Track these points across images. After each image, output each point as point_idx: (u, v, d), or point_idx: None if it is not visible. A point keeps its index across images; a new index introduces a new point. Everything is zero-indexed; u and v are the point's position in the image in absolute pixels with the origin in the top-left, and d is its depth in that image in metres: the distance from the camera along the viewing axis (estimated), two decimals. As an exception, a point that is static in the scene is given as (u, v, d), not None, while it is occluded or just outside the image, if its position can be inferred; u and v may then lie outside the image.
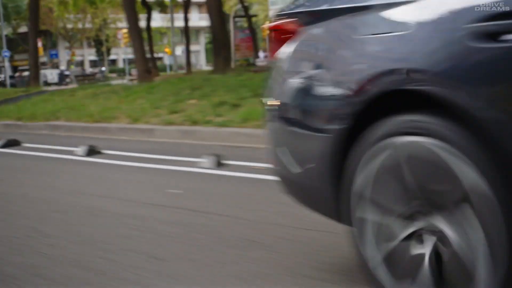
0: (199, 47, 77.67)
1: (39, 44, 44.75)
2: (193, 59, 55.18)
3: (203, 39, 77.27)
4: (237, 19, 34.30)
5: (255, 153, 6.15)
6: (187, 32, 31.80)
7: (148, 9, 34.27)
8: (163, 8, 36.37)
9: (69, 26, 58.97)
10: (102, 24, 58.29)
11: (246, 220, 3.64)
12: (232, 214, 3.79)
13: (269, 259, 2.82)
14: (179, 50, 62.46)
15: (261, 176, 4.84)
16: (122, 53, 63.91)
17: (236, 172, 5.35)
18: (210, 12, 15.57)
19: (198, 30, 73.87)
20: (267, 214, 3.73)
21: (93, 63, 69.20)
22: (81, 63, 67.48)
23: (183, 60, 49.49)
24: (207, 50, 71.60)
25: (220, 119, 8.44)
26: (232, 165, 5.72)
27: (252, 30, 30.83)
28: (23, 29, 51.46)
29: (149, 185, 5.17)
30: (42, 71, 51.76)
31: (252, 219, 3.64)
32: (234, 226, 3.50)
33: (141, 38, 18.56)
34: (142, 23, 25.39)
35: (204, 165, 5.65)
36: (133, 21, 17.48)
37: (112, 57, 70.63)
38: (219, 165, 5.63)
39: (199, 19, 72.00)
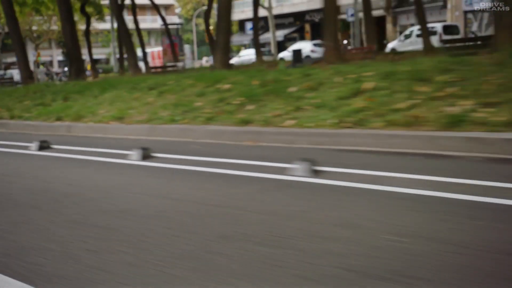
0: (159, 48, 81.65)
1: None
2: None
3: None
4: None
5: (21, 137, 10.09)
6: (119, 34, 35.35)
7: (87, 16, 37.90)
8: (101, 16, 39.91)
9: (35, 28, 62.41)
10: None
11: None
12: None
13: None
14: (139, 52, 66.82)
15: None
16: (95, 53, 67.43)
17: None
18: (64, 32, 19.19)
19: (163, 32, 77.81)
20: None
21: (63, 63, 72.73)
22: (50, 63, 71.01)
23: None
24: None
25: (28, 114, 12.28)
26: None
27: (170, 38, 34.61)
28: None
29: None
30: (9, 71, 55.51)
31: None
32: None
33: (24, 46, 20.81)
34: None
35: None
36: (13, 30, 20.32)
37: (84, 56, 74.15)
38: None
39: (166, 21, 76.45)
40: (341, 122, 7.03)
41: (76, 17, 45.45)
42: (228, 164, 5.85)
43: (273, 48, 47.25)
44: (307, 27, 52.42)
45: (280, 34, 51.93)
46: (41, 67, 62.39)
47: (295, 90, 8.85)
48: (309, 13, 51.32)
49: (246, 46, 55.07)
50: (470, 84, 6.91)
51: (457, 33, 35.73)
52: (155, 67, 23.71)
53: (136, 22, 33.92)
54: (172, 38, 35.48)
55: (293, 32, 52.88)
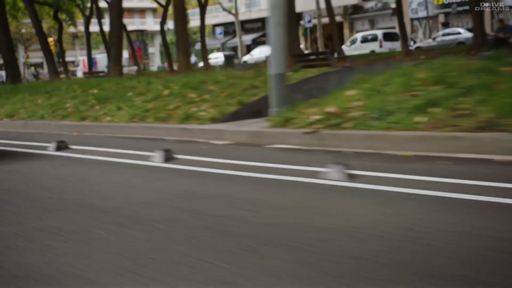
0: (154, 49, 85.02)
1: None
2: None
3: (158, 41, 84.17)
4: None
5: None
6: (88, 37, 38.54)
7: (60, 22, 40.90)
8: (73, 22, 42.87)
9: (24, 30, 65.61)
10: (51, 30, 64.89)
11: None
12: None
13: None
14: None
15: None
16: (79, 55, 70.71)
17: None
18: (0, 43, 22.11)
19: (152, 34, 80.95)
20: None
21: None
22: (40, 65, 74.35)
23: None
24: (161, 52, 79.01)
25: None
26: None
27: (131, 43, 37.63)
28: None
29: None
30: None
31: None
32: None
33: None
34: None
35: None
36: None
37: (71, 58, 77.50)
38: None
39: (153, 23, 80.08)
40: (132, 118, 10.00)
41: (50, 22, 48.62)
42: (30, 146, 8.83)
43: (239, 52, 50.07)
44: (274, 31, 55.25)
45: (249, 38, 54.92)
46: (32, 68, 65.84)
47: (131, 95, 11.81)
48: (275, 19, 54.18)
49: (218, 49, 57.92)
50: (218, 93, 9.88)
51: (397, 39, 38.65)
52: (85, 73, 26.83)
53: (100, 26, 36.90)
54: (132, 43, 38.44)
55: (261, 36, 55.79)
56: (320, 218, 3.64)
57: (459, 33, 33.32)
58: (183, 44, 16.98)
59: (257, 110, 8.87)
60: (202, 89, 10.39)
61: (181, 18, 16.81)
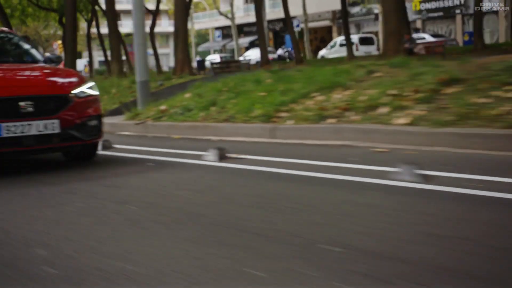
0: (169, 50, 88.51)
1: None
2: (163, 61, 66.59)
3: (172, 42, 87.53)
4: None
5: None
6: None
7: (64, 27, 44.21)
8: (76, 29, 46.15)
9: (43, 32, 69.68)
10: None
11: None
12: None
13: None
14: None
15: None
16: (97, 55, 74.53)
17: None
18: None
19: (168, 35, 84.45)
20: None
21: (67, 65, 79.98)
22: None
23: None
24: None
25: None
26: None
27: (124, 46, 40.59)
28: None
29: None
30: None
31: None
32: None
33: None
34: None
35: None
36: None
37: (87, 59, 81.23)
38: None
39: (168, 25, 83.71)
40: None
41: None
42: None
43: (236, 54, 52.76)
44: (270, 34, 57.81)
45: (247, 40, 57.60)
46: (51, 68, 69.91)
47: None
48: (271, 22, 56.82)
49: (215, 51, 60.73)
50: (113, 95, 12.63)
51: (372, 43, 40.97)
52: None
53: (97, 27, 39.94)
54: (126, 47, 41.39)
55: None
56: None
57: (423, 38, 35.45)
58: (116, 51, 19.77)
59: (130, 108, 11.58)
60: (106, 91, 13.16)
61: (115, 32, 19.55)
